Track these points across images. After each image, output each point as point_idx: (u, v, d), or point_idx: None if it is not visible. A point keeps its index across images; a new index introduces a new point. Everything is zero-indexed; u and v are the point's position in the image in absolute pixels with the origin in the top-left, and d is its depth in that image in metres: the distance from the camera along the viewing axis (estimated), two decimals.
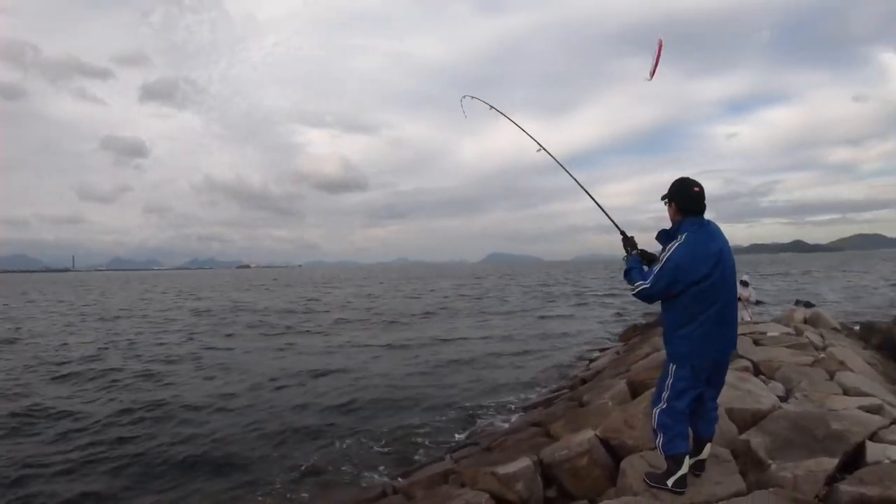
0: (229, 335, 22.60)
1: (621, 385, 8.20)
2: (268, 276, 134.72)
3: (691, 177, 4.26)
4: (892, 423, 5.53)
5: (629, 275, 4.40)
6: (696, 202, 4.26)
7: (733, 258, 4.33)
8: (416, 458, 8.75)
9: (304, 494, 7.68)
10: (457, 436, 9.75)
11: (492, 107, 6.78)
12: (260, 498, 7.60)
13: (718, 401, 4.65)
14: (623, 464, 4.96)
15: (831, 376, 7.48)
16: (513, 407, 11.52)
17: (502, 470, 5.40)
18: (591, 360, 15.28)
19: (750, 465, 4.78)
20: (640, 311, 25.75)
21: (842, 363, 8.29)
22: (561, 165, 5.70)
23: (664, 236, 4.33)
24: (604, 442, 5.73)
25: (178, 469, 8.45)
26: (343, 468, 8.43)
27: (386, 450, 9.12)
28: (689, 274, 4.08)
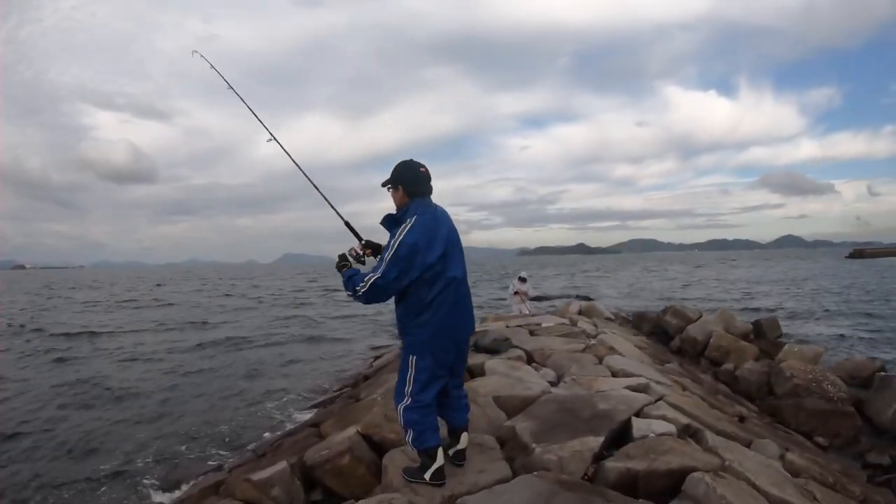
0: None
1: (395, 380, 7.97)
2: (45, 280, 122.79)
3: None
4: (657, 400, 5.71)
5: (352, 279, 3.97)
6: (423, 183, 4.06)
7: (460, 240, 4.18)
8: (190, 471, 8.05)
9: None
10: (236, 443, 9.13)
11: (220, 75, 5.95)
12: None
13: (479, 390, 4.48)
14: (384, 460, 4.70)
15: (600, 360, 7.74)
16: (297, 407, 11.03)
17: (257, 476, 5.05)
18: (376, 358, 15.08)
19: (516, 451, 4.63)
20: None
21: (611, 348, 8.68)
22: (295, 164, 5.07)
23: (390, 222, 4.02)
24: (366, 438, 5.43)
25: None
26: (103, 488, 7.64)
27: (156, 463, 8.37)
28: (423, 257, 3.83)
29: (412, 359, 3.99)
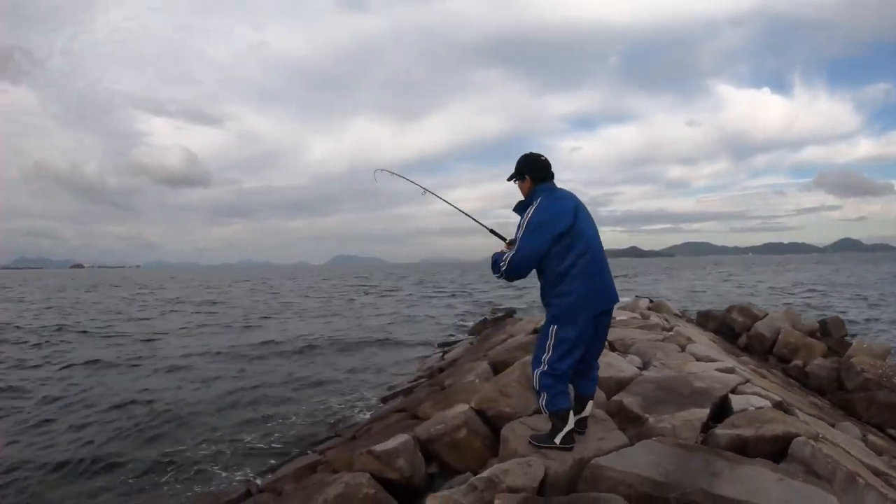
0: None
1: (484, 365, 8.32)
2: (105, 278, 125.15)
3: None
4: (746, 382, 5.99)
5: (496, 261, 4.43)
6: (545, 169, 4.50)
7: (591, 215, 4.52)
8: (278, 455, 8.32)
9: (162, 499, 7.19)
10: (317, 431, 9.38)
11: (408, 179, 6.00)
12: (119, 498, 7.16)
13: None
14: (504, 431, 4.91)
15: (683, 348, 7.98)
16: (372, 399, 11.32)
17: (380, 447, 5.25)
18: (445, 352, 15.45)
19: (627, 422, 4.97)
20: (488, 308, 26.35)
21: (689, 339, 8.87)
22: (471, 217, 5.42)
23: (521, 207, 4.48)
24: (480, 413, 5.72)
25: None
26: (199, 470, 7.92)
27: (246, 449, 8.65)
28: (551, 228, 4.23)
29: (553, 328, 4.33)
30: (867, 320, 22.56)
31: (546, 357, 4.35)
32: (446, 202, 5.52)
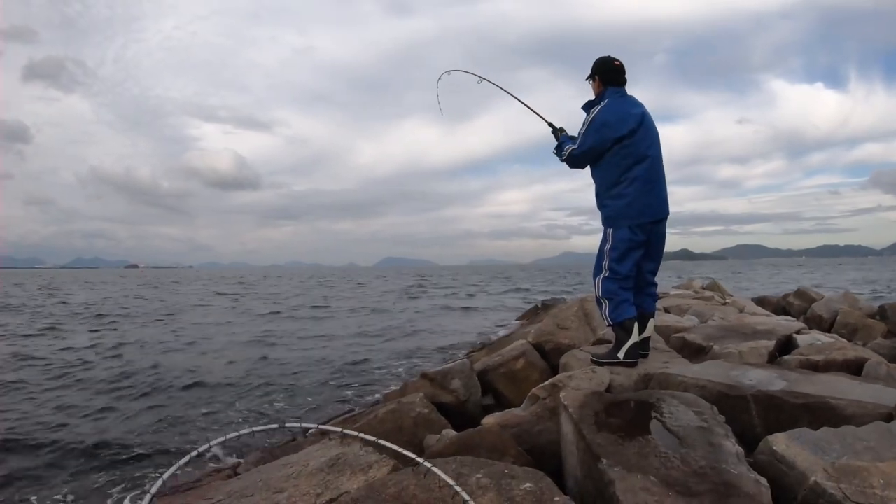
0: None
1: (532, 329, 8.27)
2: (165, 278, 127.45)
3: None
4: (810, 331, 5.87)
5: (560, 146, 4.54)
6: (618, 73, 4.46)
7: (656, 127, 4.49)
8: (324, 412, 8.28)
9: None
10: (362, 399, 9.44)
11: (483, 78, 5.69)
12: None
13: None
14: (563, 358, 4.78)
15: (741, 311, 7.82)
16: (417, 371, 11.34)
17: (434, 369, 5.21)
18: (493, 335, 15.46)
19: (691, 354, 4.91)
20: (539, 300, 26.23)
21: (744, 308, 8.70)
22: (539, 116, 5.25)
23: (588, 106, 4.50)
24: (537, 347, 5.66)
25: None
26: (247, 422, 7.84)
27: (311, 400, 8.92)
28: (613, 131, 4.23)
29: (609, 231, 4.35)
30: None
31: (605, 263, 4.34)
32: (507, 92, 5.48)
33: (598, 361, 4.34)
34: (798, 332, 5.39)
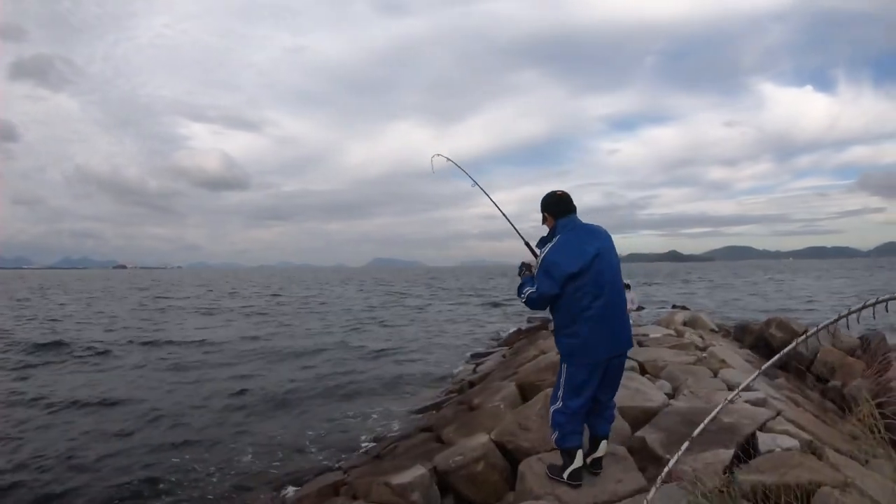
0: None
1: (511, 388, 8.22)
2: (147, 279, 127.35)
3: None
4: (777, 415, 5.83)
5: (521, 287, 4.57)
6: (562, 203, 4.53)
7: (616, 258, 4.52)
8: (304, 469, 8.40)
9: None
10: (345, 445, 9.48)
11: (461, 168, 5.91)
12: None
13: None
14: (521, 467, 4.94)
15: (715, 374, 7.84)
16: (401, 412, 11.36)
17: (396, 480, 5.28)
18: (478, 364, 15.39)
19: (648, 461, 4.89)
20: (523, 317, 26.19)
21: (723, 361, 8.72)
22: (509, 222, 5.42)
23: (541, 242, 4.56)
24: (499, 446, 5.70)
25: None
26: (225, 482, 8.03)
27: (271, 463, 8.73)
28: (562, 270, 4.25)
29: (564, 366, 4.42)
30: None
31: (560, 394, 4.45)
32: (492, 200, 5.52)
33: (549, 474, 4.61)
34: (763, 427, 5.32)
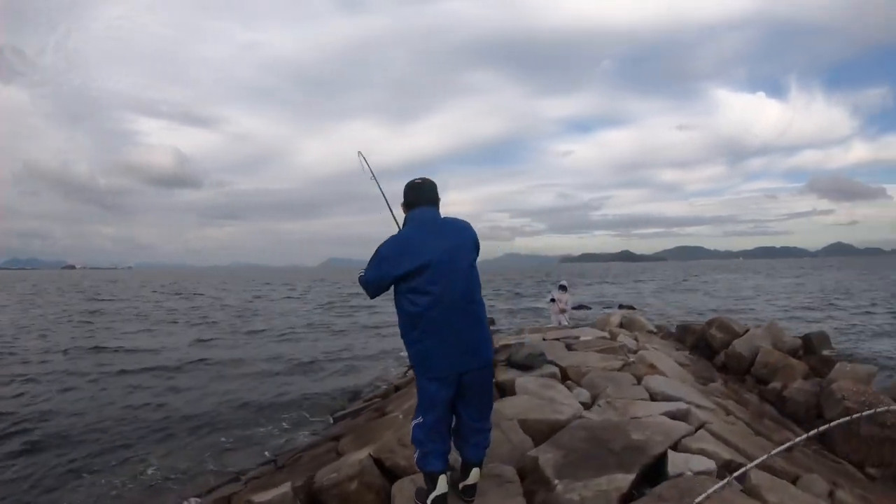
0: None
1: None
2: (96, 279, 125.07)
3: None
4: (698, 429, 5.27)
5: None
6: (413, 192, 3.98)
7: (467, 260, 3.83)
8: (210, 483, 7.91)
9: None
10: (259, 454, 9.05)
11: (372, 176, 5.50)
12: None
13: (504, 412, 4.53)
14: (393, 489, 4.45)
15: (639, 381, 7.25)
16: (329, 420, 10.81)
17: (259, 498, 4.98)
18: (410, 367, 14.78)
19: (537, 485, 4.23)
20: None
21: (652, 366, 8.19)
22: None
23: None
24: (378, 462, 5.14)
25: None
26: (122, 493, 7.66)
27: (177, 476, 8.24)
28: (392, 267, 3.71)
29: (417, 375, 3.84)
30: (854, 331, 21.69)
31: (420, 406, 3.85)
32: (383, 195, 4.72)
33: (416, 500, 4.09)
34: (677, 445, 4.68)
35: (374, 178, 4.83)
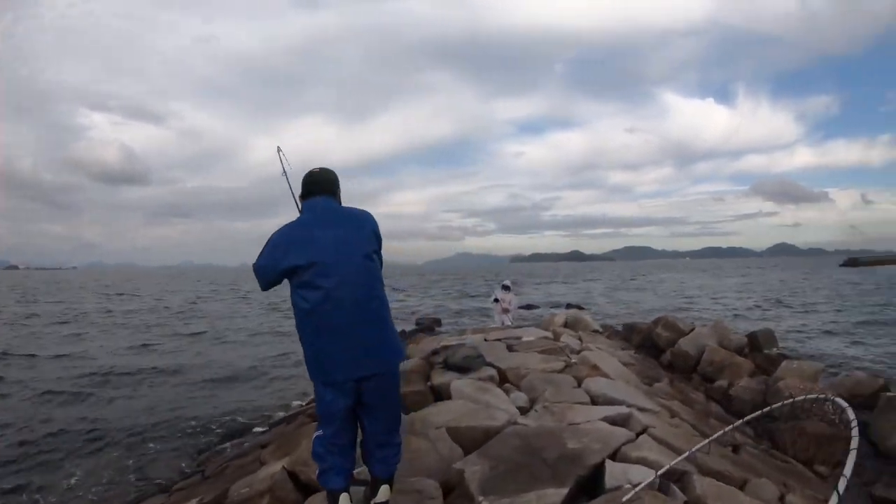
0: None
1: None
2: (38, 280, 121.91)
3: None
4: (640, 434, 4.95)
5: None
6: (310, 184, 3.61)
7: (362, 252, 3.39)
8: (131, 492, 7.72)
9: None
10: (189, 464, 8.79)
11: (283, 172, 5.05)
12: None
13: (433, 419, 4.30)
14: None
15: (579, 383, 6.93)
16: (266, 427, 10.35)
17: None
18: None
19: (461, 501, 3.86)
20: (411, 319, 25.19)
21: (594, 367, 7.86)
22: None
23: None
24: (293, 476, 4.69)
25: None
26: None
27: (104, 484, 8.02)
28: (279, 259, 3.32)
29: (313, 381, 3.41)
30: (799, 330, 21.88)
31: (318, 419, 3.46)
32: (291, 190, 4.16)
33: None
34: (616, 454, 4.33)
35: (286, 175, 4.39)
